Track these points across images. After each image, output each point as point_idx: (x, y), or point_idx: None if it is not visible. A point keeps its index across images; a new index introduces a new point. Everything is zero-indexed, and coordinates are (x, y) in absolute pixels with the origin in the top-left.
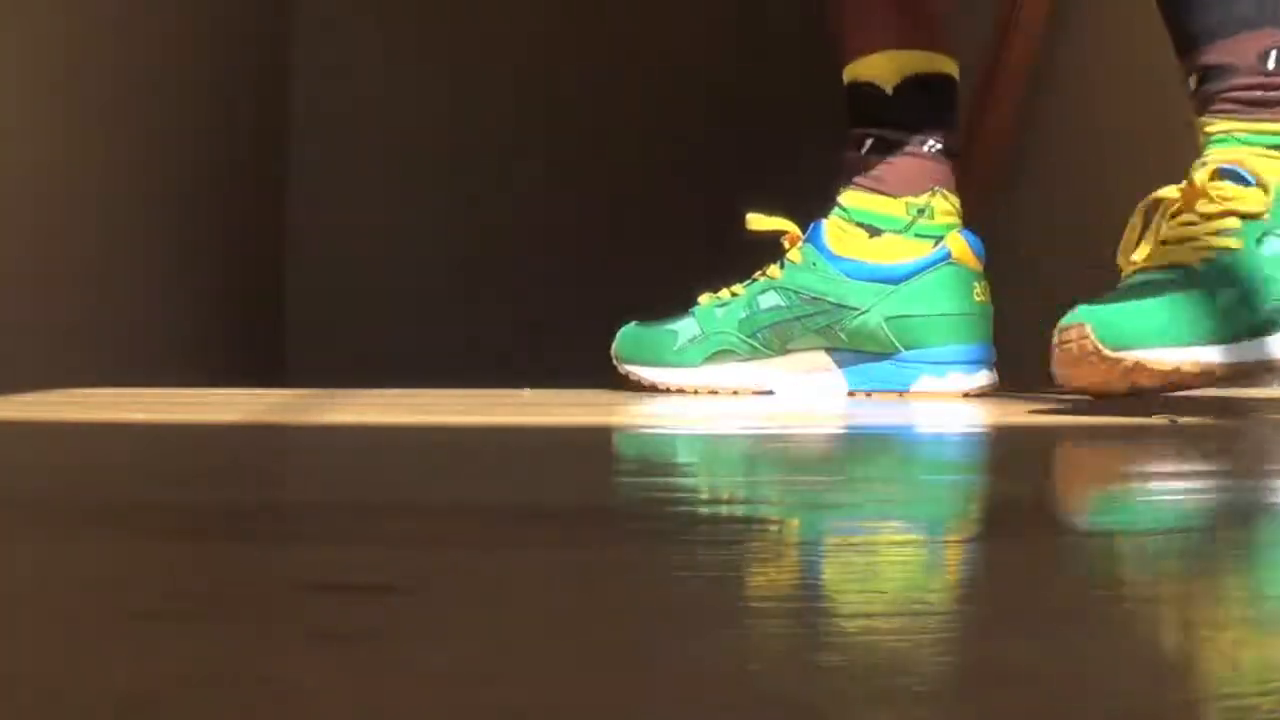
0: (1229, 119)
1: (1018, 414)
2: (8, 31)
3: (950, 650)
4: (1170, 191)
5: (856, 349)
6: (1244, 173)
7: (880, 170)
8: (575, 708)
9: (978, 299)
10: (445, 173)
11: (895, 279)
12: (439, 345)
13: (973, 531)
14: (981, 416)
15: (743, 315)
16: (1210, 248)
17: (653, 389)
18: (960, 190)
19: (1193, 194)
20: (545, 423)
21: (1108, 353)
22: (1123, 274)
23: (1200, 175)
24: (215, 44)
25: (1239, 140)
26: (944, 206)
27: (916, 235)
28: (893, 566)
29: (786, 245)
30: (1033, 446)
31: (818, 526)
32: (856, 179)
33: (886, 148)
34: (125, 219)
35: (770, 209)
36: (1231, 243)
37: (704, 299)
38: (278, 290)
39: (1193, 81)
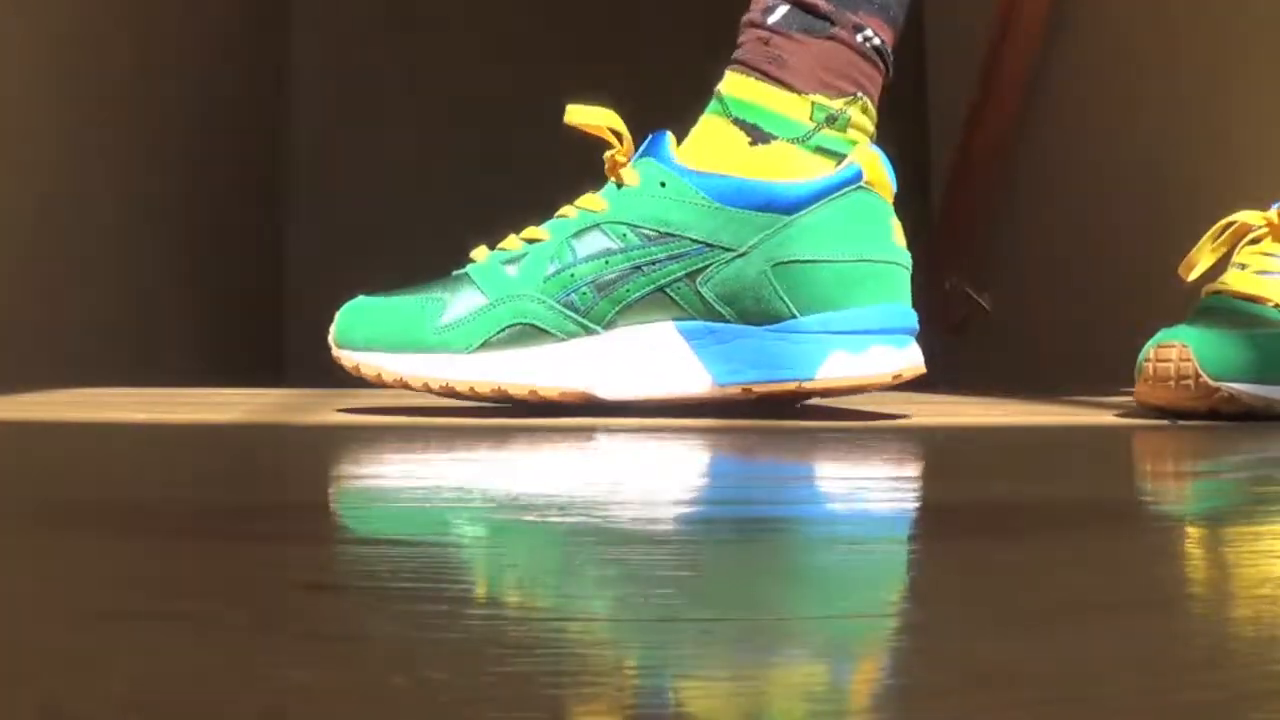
0: None
1: (1014, 414)
2: (9, 31)
3: (944, 651)
4: (1254, 218)
5: (721, 318)
6: None
7: (785, 51)
8: (577, 709)
9: (897, 241)
10: (445, 172)
11: (786, 206)
12: None
13: (964, 531)
14: (972, 416)
15: (549, 270)
16: None
17: (403, 388)
18: (958, 192)
19: None
20: (544, 422)
21: (1206, 379)
22: (1184, 281)
23: None
24: (215, 43)
25: None
26: (862, 122)
27: (818, 149)
28: (887, 566)
29: (612, 162)
30: (1026, 447)
31: (818, 526)
32: (748, 58)
33: (803, 21)
34: (124, 219)
35: None
36: None
37: (479, 254)
38: (278, 290)
39: None
